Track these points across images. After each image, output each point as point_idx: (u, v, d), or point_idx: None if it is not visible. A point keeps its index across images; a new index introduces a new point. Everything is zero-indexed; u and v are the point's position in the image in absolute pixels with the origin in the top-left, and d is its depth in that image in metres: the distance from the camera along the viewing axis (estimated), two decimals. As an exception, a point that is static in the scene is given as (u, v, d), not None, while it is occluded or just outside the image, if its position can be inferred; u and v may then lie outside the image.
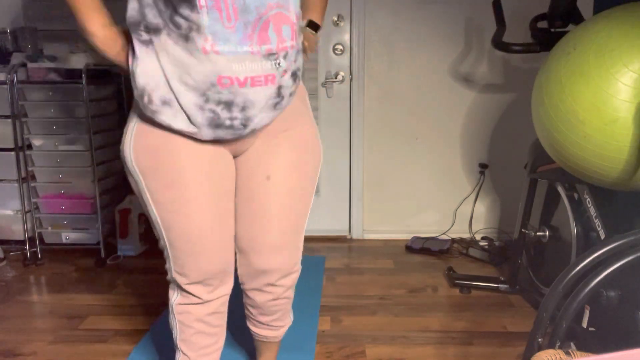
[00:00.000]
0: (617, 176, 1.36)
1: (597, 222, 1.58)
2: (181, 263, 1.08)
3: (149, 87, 0.96)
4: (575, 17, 1.81)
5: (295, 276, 1.20)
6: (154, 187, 1.02)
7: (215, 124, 0.98)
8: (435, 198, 2.77)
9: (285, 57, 0.97)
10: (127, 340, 1.77)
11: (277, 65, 0.96)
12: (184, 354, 1.17)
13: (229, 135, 1.00)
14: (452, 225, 2.76)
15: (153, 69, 0.95)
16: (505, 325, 1.87)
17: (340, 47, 2.64)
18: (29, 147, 2.43)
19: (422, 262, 2.48)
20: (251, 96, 0.96)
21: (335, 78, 2.66)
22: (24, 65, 2.35)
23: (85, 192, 2.44)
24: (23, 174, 2.41)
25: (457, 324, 1.88)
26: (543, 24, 1.89)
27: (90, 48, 0.94)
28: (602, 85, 1.29)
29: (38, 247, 2.46)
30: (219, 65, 0.92)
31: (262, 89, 0.96)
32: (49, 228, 2.49)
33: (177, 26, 0.92)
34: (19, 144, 2.38)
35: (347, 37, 2.63)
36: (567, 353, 0.82)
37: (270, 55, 0.95)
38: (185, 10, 0.90)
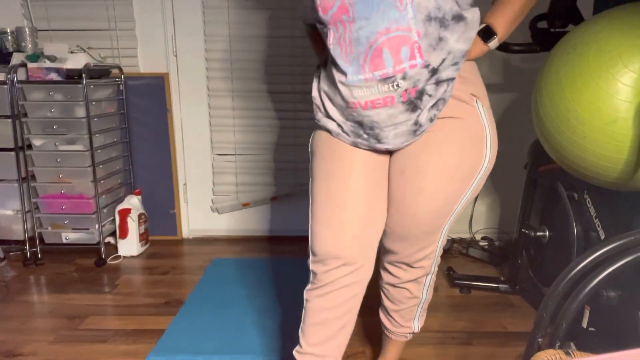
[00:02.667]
0: (617, 176, 1.36)
1: (597, 222, 1.58)
2: (314, 234, 1.18)
3: (315, 107, 1.22)
4: (575, 17, 1.81)
5: (419, 272, 1.29)
6: (314, 165, 1.22)
7: (356, 134, 1.14)
8: (435, 198, 2.76)
9: (404, 77, 1.02)
10: (127, 340, 1.77)
11: (396, 87, 1.04)
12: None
13: (366, 146, 1.16)
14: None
15: (317, 95, 1.20)
16: (505, 325, 1.87)
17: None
18: (29, 147, 2.43)
19: (422, 262, 2.48)
20: (375, 117, 1.08)
21: (336, 78, 2.66)
22: (24, 65, 2.35)
23: (85, 192, 2.44)
24: (23, 174, 2.41)
25: (457, 324, 1.88)
26: (543, 24, 1.89)
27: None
28: (602, 85, 1.29)
29: (38, 247, 2.46)
30: (346, 93, 1.07)
31: (383, 110, 1.06)
32: (49, 228, 2.49)
33: (329, 61, 1.13)
34: (19, 144, 2.38)
35: (347, 37, 2.63)
36: (567, 353, 0.82)
37: (386, 79, 1.03)
38: (326, 48, 1.10)
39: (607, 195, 1.58)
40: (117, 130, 2.66)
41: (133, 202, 2.57)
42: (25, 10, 2.60)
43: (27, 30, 2.45)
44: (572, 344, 1.40)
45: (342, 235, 1.13)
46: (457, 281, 2.17)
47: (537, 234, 1.94)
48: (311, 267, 1.17)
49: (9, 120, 2.34)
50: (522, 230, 2.01)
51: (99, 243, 2.47)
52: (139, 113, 2.70)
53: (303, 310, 1.19)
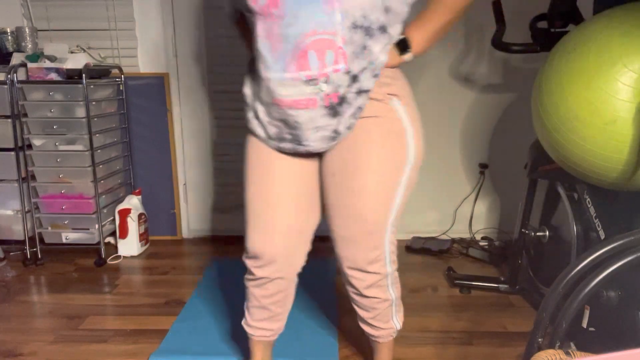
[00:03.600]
0: (617, 176, 1.36)
1: (597, 222, 1.58)
2: (248, 235, 1.27)
3: (245, 107, 1.22)
4: (575, 17, 1.81)
5: (375, 277, 1.27)
6: (245, 170, 1.27)
7: (279, 137, 1.16)
8: (435, 198, 2.77)
9: (327, 81, 1.04)
10: (127, 340, 1.77)
11: (319, 90, 1.05)
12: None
13: (290, 148, 1.17)
14: (452, 225, 2.76)
15: (248, 94, 1.19)
16: (505, 325, 1.87)
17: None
18: (29, 147, 2.43)
19: (422, 262, 2.48)
20: (297, 117, 1.09)
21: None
22: (24, 65, 2.35)
23: (85, 192, 2.44)
24: (23, 174, 2.41)
25: (457, 324, 1.88)
26: (543, 24, 1.89)
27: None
28: (602, 85, 1.29)
29: (38, 247, 2.46)
30: (272, 90, 1.08)
31: (304, 112, 1.07)
32: (49, 228, 2.49)
33: (255, 55, 1.11)
34: (19, 144, 2.38)
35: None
36: (567, 353, 0.82)
37: (310, 80, 1.04)
38: (254, 40, 1.09)
39: (607, 195, 1.58)
40: (117, 130, 2.66)
41: (133, 202, 2.57)
42: (25, 10, 2.60)
43: (27, 30, 2.45)
44: (572, 344, 1.40)
45: (269, 238, 1.24)
46: (457, 281, 2.17)
47: (537, 234, 1.94)
48: (245, 261, 1.31)
49: (9, 120, 2.34)
50: (522, 230, 2.01)
51: (99, 243, 2.47)
52: (139, 113, 2.70)
53: (246, 290, 1.36)
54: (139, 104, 2.69)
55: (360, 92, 1.09)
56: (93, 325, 1.88)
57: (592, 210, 1.61)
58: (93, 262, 2.45)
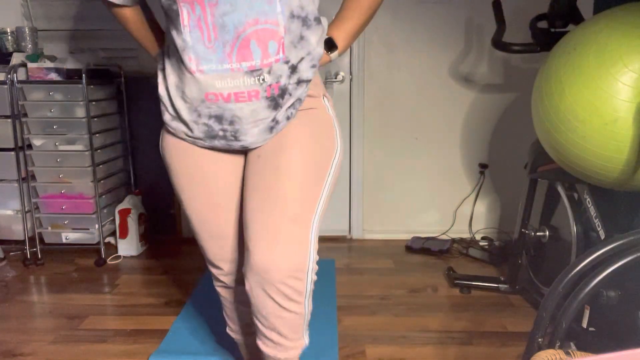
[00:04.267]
0: (617, 176, 1.36)
1: (597, 222, 1.58)
2: (202, 246, 1.23)
3: (162, 107, 1.11)
4: (575, 17, 1.81)
5: (300, 285, 1.04)
6: (174, 181, 1.19)
7: (210, 135, 1.07)
8: (435, 198, 2.77)
9: (269, 72, 0.99)
10: (127, 340, 1.77)
11: (262, 81, 0.99)
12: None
13: (223, 145, 1.09)
14: (452, 225, 2.76)
15: (164, 92, 1.09)
16: (505, 325, 1.87)
17: (340, 47, 2.64)
18: (29, 147, 2.43)
19: (422, 262, 2.48)
20: (237, 112, 1.02)
21: (335, 78, 2.66)
22: (24, 65, 2.35)
23: (85, 192, 2.44)
24: (23, 174, 2.41)
25: (457, 324, 1.88)
26: (543, 24, 1.89)
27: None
28: (602, 85, 1.29)
29: (38, 247, 2.46)
30: (204, 83, 0.99)
31: (246, 105, 1.01)
32: (49, 228, 2.49)
33: (175, 47, 1.00)
34: (19, 144, 2.38)
35: (347, 37, 2.63)
36: (567, 353, 0.82)
37: (253, 71, 0.98)
38: (174, 30, 0.98)
39: (607, 195, 1.58)
40: (117, 130, 2.65)
41: (133, 202, 2.57)
42: (25, 10, 2.60)
43: (27, 30, 2.45)
44: (572, 344, 1.40)
45: (222, 250, 1.20)
46: (457, 281, 2.17)
47: (537, 234, 1.94)
48: (210, 269, 1.28)
49: (9, 120, 2.34)
50: (522, 230, 2.01)
51: (99, 243, 2.47)
52: (139, 113, 2.70)
53: (219, 297, 1.33)
54: (139, 104, 2.69)
55: (299, 82, 1.05)
56: (93, 325, 1.88)
57: (592, 210, 1.61)
58: (93, 262, 2.45)
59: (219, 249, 1.21)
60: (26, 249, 2.45)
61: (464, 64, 2.63)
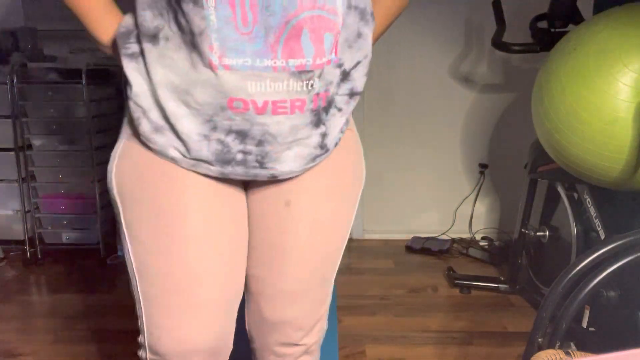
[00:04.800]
0: (617, 176, 1.36)
1: (597, 222, 1.58)
2: (156, 326, 0.80)
3: (137, 112, 0.75)
4: (575, 17, 1.81)
5: (315, 339, 0.92)
6: (132, 218, 0.78)
7: (224, 158, 0.74)
8: (435, 198, 2.76)
9: (320, 76, 0.73)
10: (127, 340, 1.77)
11: (310, 87, 0.72)
12: None
13: (240, 173, 0.76)
14: (452, 225, 2.76)
15: (142, 90, 0.74)
16: (505, 325, 1.87)
17: (340, 47, 2.64)
18: (29, 147, 2.43)
19: (422, 262, 2.48)
20: (272, 127, 0.72)
21: (335, 78, 2.66)
22: (24, 65, 2.35)
23: (85, 192, 2.44)
24: (23, 174, 2.41)
25: (457, 324, 1.88)
26: (543, 24, 1.89)
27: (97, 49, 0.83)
28: (602, 86, 1.29)
29: (38, 247, 2.46)
30: (230, 85, 0.69)
31: (286, 118, 0.72)
32: (49, 228, 2.49)
33: (180, 28, 0.69)
34: (19, 144, 2.38)
35: (347, 37, 2.63)
36: (567, 353, 0.82)
37: (301, 73, 0.70)
38: (187, 6, 0.66)
39: (607, 195, 1.58)
40: (118, 130, 2.65)
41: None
42: (25, 10, 2.60)
43: (27, 30, 2.45)
44: (572, 344, 1.40)
45: (203, 322, 0.79)
46: (457, 281, 2.17)
47: (537, 234, 1.94)
48: None
49: (9, 120, 2.34)
50: (522, 230, 2.01)
51: (98, 243, 2.47)
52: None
53: None
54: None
55: (352, 94, 0.81)
56: (93, 325, 1.88)
57: (592, 210, 1.61)
58: (93, 262, 2.45)
59: (197, 322, 0.79)
60: (26, 249, 2.45)
61: (464, 64, 2.63)
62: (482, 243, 2.68)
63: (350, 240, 2.80)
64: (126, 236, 0.79)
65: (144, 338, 0.83)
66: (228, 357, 0.86)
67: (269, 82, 0.69)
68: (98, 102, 2.47)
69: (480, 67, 2.62)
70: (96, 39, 0.79)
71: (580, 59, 1.35)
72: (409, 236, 2.75)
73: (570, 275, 0.96)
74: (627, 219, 1.52)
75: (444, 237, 2.73)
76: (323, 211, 0.85)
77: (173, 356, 0.80)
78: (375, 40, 0.89)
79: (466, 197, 2.74)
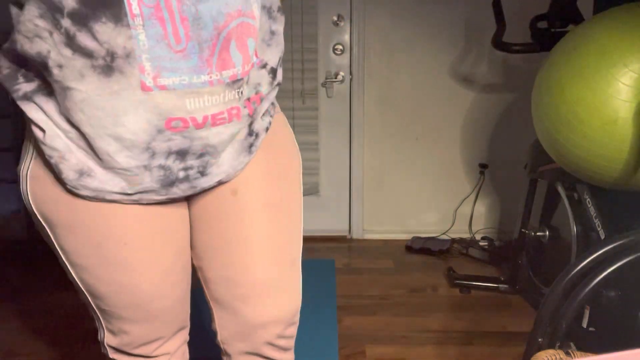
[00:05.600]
0: (617, 176, 1.35)
1: (597, 222, 1.58)
2: (116, 330, 0.82)
3: (53, 157, 0.68)
4: (575, 17, 1.80)
5: (293, 329, 0.88)
6: (68, 246, 0.75)
7: (168, 182, 0.72)
8: (436, 198, 2.76)
9: (247, 81, 0.72)
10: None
11: (240, 94, 0.71)
12: None
13: (185, 189, 0.74)
14: (452, 225, 2.76)
15: (53, 132, 0.67)
16: (505, 325, 1.87)
17: (340, 47, 2.64)
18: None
19: (422, 262, 2.48)
20: (212, 139, 0.70)
21: (335, 78, 2.66)
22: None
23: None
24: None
25: (457, 324, 1.88)
26: (543, 24, 1.89)
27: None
28: (602, 86, 1.29)
29: (38, 248, 2.46)
30: (168, 105, 0.65)
31: (225, 127, 0.71)
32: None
33: (86, 53, 0.61)
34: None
35: (347, 37, 2.63)
36: (567, 353, 0.82)
37: (234, 82, 0.69)
38: (102, 26, 0.59)
39: (607, 195, 1.58)
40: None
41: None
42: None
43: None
44: (572, 344, 1.40)
45: (160, 326, 0.82)
46: (457, 281, 2.17)
47: (537, 233, 1.94)
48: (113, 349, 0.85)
49: (8, 119, 2.35)
50: (522, 230, 2.01)
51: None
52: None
53: None
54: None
55: (275, 85, 0.81)
56: (92, 325, 1.88)
57: (592, 210, 1.61)
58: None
59: (152, 329, 0.82)
60: (27, 249, 2.45)
61: (464, 64, 2.63)
62: (482, 243, 2.68)
63: (350, 240, 2.80)
64: (65, 262, 0.78)
65: (103, 337, 0.84)
66: (189, 325, 0.90)
67: (206, 97, 0.67)
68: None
69: (480, 67, 2.62)
70: None
71: (581, 59, 1.35)
72: (409, 236, 2.74)
73: (570, 275, 0.96)
74: (627, 219, 1.52)
75: (444, 237, 2.73)
76: (272, 193, 0.82)
77: (137, 345, 0.82)
78: None
79: (466, 197, 2.74)
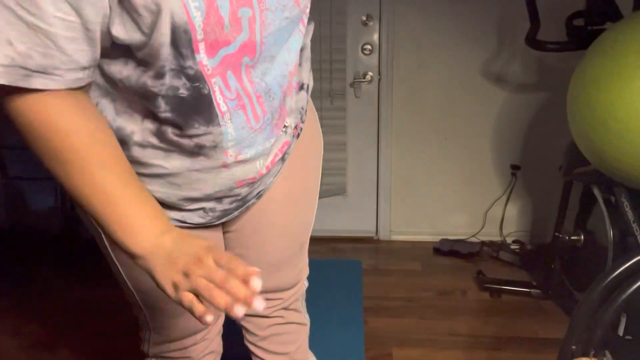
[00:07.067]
0: (658, 179, 1.31)
1: (635, 227, 1.53)
2: (159, 325, 0.90)
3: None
4: (613, 15, 1.75)
5: (297, 291, 0.97)
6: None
7: (225, 215, 0.81)
8: (465, 199, 2.72)
9: (290, 114, 0.80)
10: (157, 336, 1.81)
11: (285, 130, 0.79)
12: None
13: (236, 215, 0.84)
14: (482, 228, 2.71)
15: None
16: (537, 331, 1.82)
17: (368, 47, 2.63)
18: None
19: (450, 264, 2.44)
20: (266, 177, 0.79)
21: (364, 78, 2.65)
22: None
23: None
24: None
25: (486, 328, 1.84)
26: (579, 22, 1.84)
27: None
28: (642, 85, 1.24)
29: (74, 243, 2.54)
30: (243, 172, 0.72)
31: (277, 162, 0.80)
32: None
33: (174, 145, 0.66)
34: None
35: (375, 36, 2.61)
36: (603, 362, 0.80)
37: (285, 127, 0.78)
38: (195, 130, 0.63)
39: (647, 199, 1.53)
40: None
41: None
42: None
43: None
44: (607, 353, 1.35)
45: (195, 320, 0.87)
46: (486, 285, 2.13)
47: (572, 238, 1.89)
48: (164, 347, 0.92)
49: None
50: (556, 234, 1.96)
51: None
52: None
53: None
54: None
55: (301, 87, 0.83)
56: (125, 320, 1.93)
57: (630, 214, 1.55)
58: (125, 259, 2.52)
59: (193, 320, 0.80)
60: (63, 245, 2.53)
61: (496, 62, 2.58)
62: (513, 246, 2.62)
63: (377, 241, 2.79)
64: (113, 257, 0.83)
65: (148, 334, 0.91)
66: (221, 328, 0.96)
67: (266, 155, 0.75)
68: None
69: (513, 65, 2.56)
70: (128, 249, 0.59)
71: (619, 58, 1.30)
72: (437, 238, 2.71)
73: (606, 281, 0.93)
74: (668, 224, 1.46)
75: (474, 239, 2.68)
76: (295, 186, 0.89)
77: (176, 340, 0.90)
78: None
79: (497, 199, 2.69)
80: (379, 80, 2.64)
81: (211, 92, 0.61)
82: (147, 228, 0.58)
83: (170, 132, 0.64)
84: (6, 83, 0.52)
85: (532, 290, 2.07)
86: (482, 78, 2.60)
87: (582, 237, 1.86)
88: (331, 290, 2.13)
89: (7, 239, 2.58)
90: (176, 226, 0.69)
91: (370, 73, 2.65)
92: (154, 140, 0.65)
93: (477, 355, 1.67)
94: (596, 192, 1.75)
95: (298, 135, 0.85)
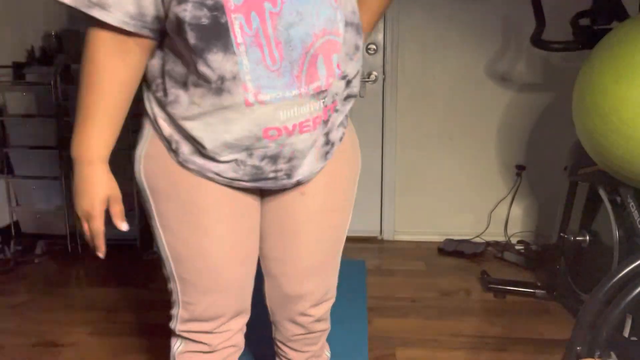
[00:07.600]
0: (664, 179, 1.30)
1: (642, 227, 1.51)
2: (190, 300, 0.94)
3: (174, 137, 0.86)
4: (619, 14, 1.74)
5: (327, 305, 1.05)
6: (164, 210, 0.90)
7: (258, 178, 0.87)
8: (469, 199, 2.71)
9: (329, 91, 0.85)
10: (162, 334, 1.81)
11: (323, 104, 0.84)
12: None
13: (270, 186, 0.90)
14: (486, 228, 2.71)
15: (170, 132, 0.87)
16: (542, 332, 1.81)
17: (373, 46, 2.63)
18: (71, 145, 2.53)
19: (454, 264, 2.44)
20: (299, 145, 0.84)
21: (368, 78, 2.65)
22: (67, 66, 2.45)
23: (123, 190, 2.51)
24: (65, 171, 2.51)
25: (490, 329, 1.84)
26: (585, 21, 1.83)
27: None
28: (648, 84, 1.23)
29: (79, 242, 2.56)
30: (265, 117, 0.79)
31: (309, 135, 0.84)
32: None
33: (205, 79, 0.77)
34: (61, 142, 2.48)
35: (380, 36, 2.61)
36: (608, 363, 0.79)
37: (319, 93, 0.82)
38: (214, 55, 0.74)
39: (653, 199, 1.52)
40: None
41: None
42: (69, 13, 2.70)
43: (70, 33, 2.55)
44: (612, 354, 1.35)
45: (228, 296, 0.94)
46: (491, 285, 2.12)
47: (577, 238, 1.88)
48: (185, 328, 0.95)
49: (53, 119, 2.44)
50: (561, 234, 1.95)
51: (136, 239, 2.55)
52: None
53: None
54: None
55: (348, 97, 0.91)
56: (130, 318, 1.94)
57: (635, 214, 1.55)
58: (130, 258, 2.53)
59: (234, 300, 0.96)
60: (67, 244, 2.54)
61: (501, 62, 2.57)
62: (518, 247, 2.61)
63: (381, 241, 2.79)
64: (158, 224, 0.91)
65: (177, 310, 0.95)
66: (249, 313, 1.00)
67: (296, 108, 0.80)
68: (136, 102, 2.54)
69: (518, 65, 2.55)
70: (92, 149, 0.90)
71: (625, 58, 1.30)
72: (442, 238, 2.70)
73: (611, 282, 0.92)
74: (675, 225, 1.45)
75: (478, 239, 2.68)
76: (333, 197, 0.98)
77: (205, 319, 0.94)
78: (365, 39, 1.00)
79: (502, 199, 2.68)
80: (384, 80, 2.63)
81: (229, 23, 0.73)
82: (95, 146, 0.88)
83: (199, 64, 0.76)
84: (72, 5, 0.74)
85: (537, 290, 2.06)
86: (487, 78, 2.59)
87: (588, 237, 1.85)
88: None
89: (12, 238, 2.60)
90: (214, 180, 0.87)
91: (374, 73, 2.65)
92: (194, 78, 0.79)
93: (481, 355, 1.67)
94: (602, 192, 1.74)
95: (340, 139, 0.93)
